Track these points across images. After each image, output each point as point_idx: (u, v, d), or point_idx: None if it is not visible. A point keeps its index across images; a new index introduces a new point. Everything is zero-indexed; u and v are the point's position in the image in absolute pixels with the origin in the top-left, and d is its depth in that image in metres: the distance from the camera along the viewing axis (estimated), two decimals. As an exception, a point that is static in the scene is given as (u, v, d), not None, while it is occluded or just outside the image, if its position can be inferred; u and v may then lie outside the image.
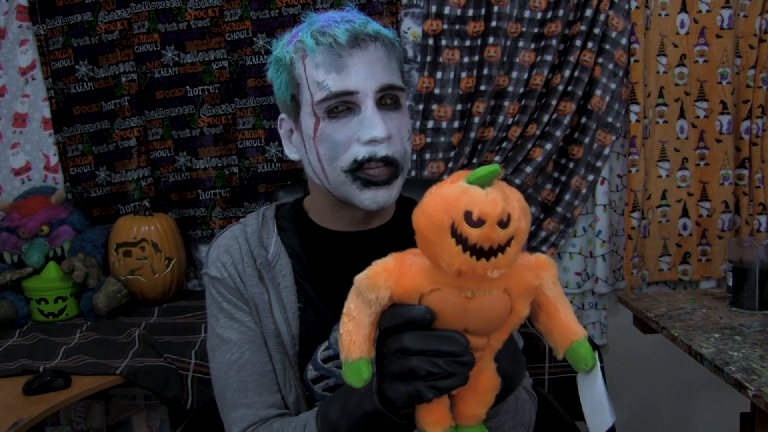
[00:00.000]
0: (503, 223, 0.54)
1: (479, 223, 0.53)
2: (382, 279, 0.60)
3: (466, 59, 1.96)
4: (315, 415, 0.76)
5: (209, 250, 0.92)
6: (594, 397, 0.65)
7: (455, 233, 0.54)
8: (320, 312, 0.87)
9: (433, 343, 0.59)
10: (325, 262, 0.89)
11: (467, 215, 0.53)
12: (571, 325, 0.63)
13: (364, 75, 0.78)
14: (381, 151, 0.79)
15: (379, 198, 0.81)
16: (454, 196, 0.55)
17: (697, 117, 2.05)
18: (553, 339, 0.64)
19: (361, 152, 0.79)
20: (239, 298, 0.87)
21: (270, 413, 0.84)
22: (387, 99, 0.80)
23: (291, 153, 0.89)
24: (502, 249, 0.54)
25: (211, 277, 0.89)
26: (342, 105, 0.79)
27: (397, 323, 0.60)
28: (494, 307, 0.59)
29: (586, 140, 2.00)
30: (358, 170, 0.79)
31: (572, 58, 1.95)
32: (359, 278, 0.61)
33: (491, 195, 0.54)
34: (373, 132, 0.78)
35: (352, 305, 0.61)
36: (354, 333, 0.60)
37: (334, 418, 0.72)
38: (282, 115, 0.88)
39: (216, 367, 0.88)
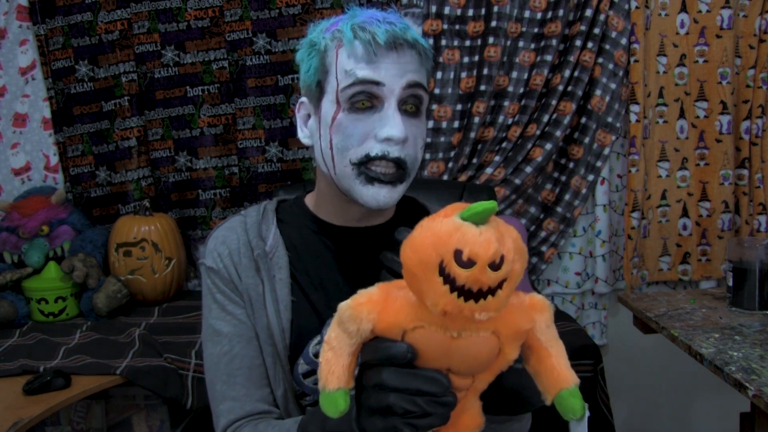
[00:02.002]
0: (495, 266, 0.51)
1: (469, 264, 0.50)
2: (365, 311, 0.57)
3: (466, 59, 1.96)
4: (297, 428, 0.75)
5: (207, 240, 0.92)
6: None
7: (443, 272, 0.51)
8: (314, 306, 0.87)
9: (413, 382, 0.57)
10: (323, 255, 0.89)
11: (457, 254, 0.51)
12: (562, 371, 0.60)
13: (393, 72, 0.78)
14: (394, 152, 0.79)
15: (381, 197, 0.81)
16: (446, 232, 0.52)
17: (697, 117, 2.05)
18: (541, 383, 0.61)
19: (375, 149, 0.79)
20: (233, 290, 0.88)
21: (257, 407, 0.85)
22: (410, 104, 0.81)
23: (304, 137, 0.89)
24: (492, 291, 0.51)
25: (207, 268, 0.90)
26: (366, 98, 0.79)
27: (378, 358, 0.58)
28: (480, 350, 0.56)
29: (586, 140, 2.00)
30: (365, 164, 0.80)
31: (572, 58, 1.95)
32: (342, 307, 0.59)
33: (485, 235, 0.51)
34: (392, 131, 0.78)
35: (333, 334, 0.59)
36: (333, 363, 0.58)
37: None
38: (302, 99, 0.88)
39: (207, 359, 0.89)
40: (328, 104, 0.82)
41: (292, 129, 2.02)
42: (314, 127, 0.86)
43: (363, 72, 0.78)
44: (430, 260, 0.52)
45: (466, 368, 0.57)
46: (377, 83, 0.78)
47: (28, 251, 1.90)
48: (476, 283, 0.51)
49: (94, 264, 1.85)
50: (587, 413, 0.62)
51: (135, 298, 1.90)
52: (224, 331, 0.87)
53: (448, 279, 0.51)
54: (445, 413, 0.58)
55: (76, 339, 1.62)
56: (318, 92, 0.84)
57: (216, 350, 0.87)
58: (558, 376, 0.59)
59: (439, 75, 1.96)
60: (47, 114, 2.05)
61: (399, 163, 0.80)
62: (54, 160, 2.08)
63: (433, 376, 0.57)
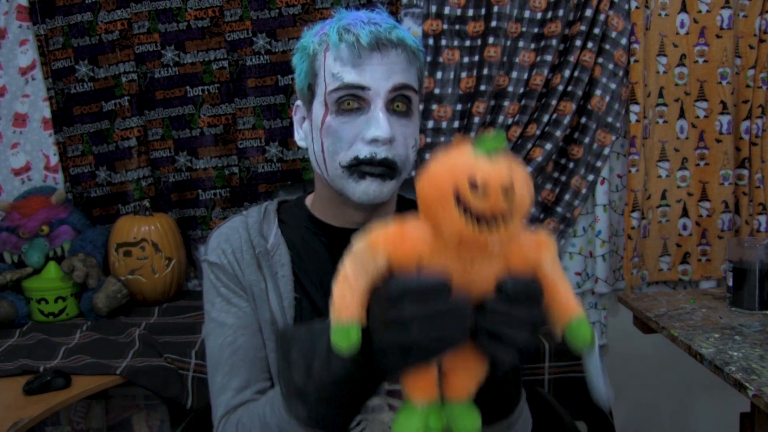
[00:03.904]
0: (507, 193, 0.54)
1: (483, 191, 0.53)
2: (381, 244, 0.58)
3: (466, 59, 1.96)
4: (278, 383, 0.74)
5: (209, 238, 0.92)
6: (594, 373, 0.65)
7: (459, 200, 0.54)
8: (315, 305, 0.87)
9: (433, 305, 0.56)
10: (321, 255, 0.90)
11: (471, 183, 0.53)
12: (570, 303, 0.62)
13: (379, 75, 0.79)
14: (381, 152, 0.79)
15: (371, 191, 0.81)
16: (459, 163, 0.55)
17: (697, 117, 2.05)
18: (550, 316, 0.63)
19: (363, 151, 0.80)
20: (237, 284, 0.88)
21: (256, 398, 0.83)
22: (399, 103, 0.81)
23: (300, 140, 0.91)
24: (504, 219, 0.54)
25: (210, 263, 0.90)
26: (352, 100, 0.80)
27: (412, 291, 0.56)
28: (493, 280, 0.58)
29: (586, 140, 2.00)
30: (355, 166, 0.80)
31: (572, 58, 1.95)
32: (357, 243, 0.60)
33: (496, 164, 0.54)
34: (377, 131, 0.78)
35: (348, 269, 0.60)
36: (348, 296, 0.59)
37: (299, 384, 0.69)
38: (297, 102, 0.90)
39: (210, 352, 0.88)
40: (317, 107, 0.83)
41: (292, 129, 2.00)
42: (308, 130, 0.87)
43: (349, 76, 0.79)
44: (445, 190, 0.54)
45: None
46: (362, 87, 0.79)
47: (28, 251, 1.90)
48: (490, 209, 0.53)
49: (94, 264, 1.85)
50: (597, 341, 0.63)
51: (135, 298, 1.90)
52: (229, 323, 0.86)
53: (463, 207, 0.54)
54: (463, 330, 0.57)
55: (76, 339, 1.62)
56: (309, 95, 0.85)
57: (219, 341, 0.86)
58: (566, 307, 0.62)
59: (439, 75, 1.96)
60: (47, 114, 2.05)
61: (387, 164, 0.80)
62: (54, 160, 2.08)
63: (453, 301, 0.56)
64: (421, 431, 0.63)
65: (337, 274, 0.60)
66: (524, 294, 0.58)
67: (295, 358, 0.71)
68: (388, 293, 0.58)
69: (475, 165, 0.54)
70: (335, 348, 0.59)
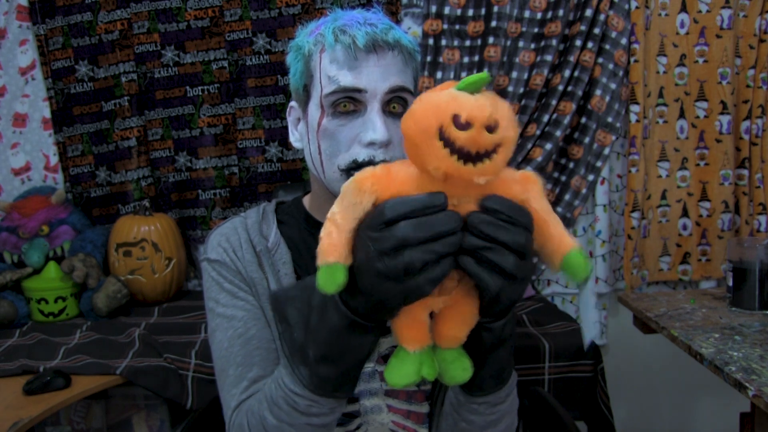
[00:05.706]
0: (490, 128, 0.54)
1: (466, 126, 0.54)
2: (368, 184, 0.59)
3: (466, 59, 1.96)
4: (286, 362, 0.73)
5: (209, 237, 0.91)
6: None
7: (443, 136, 0.54)
8: None
9: (433, 226, 0.55)
10: None
11: (455, 118, 0.54)
12: (563, 236, 0.61)
13: (375, 77, 0.79)
14: (379, 155, 0.79)
15: None
16: (443, 100, 0.55)
17: (697, 117, 2.05)
18: (545, 253, 0.62)
19: (361, 154, 0.79)
20: (241, 279, 0.87)
21: None
22: (395, 104, 0.81)
23: (295, 141, 0.90)
24: (488, 155, 0.55)
25: (211, 261, 0.88)
26: (349, 102, 0.79)
27: (412, 210, 0.56)
28: None
29: (586, 140, 2.00)
30: (354, 170, 0.79)
31: (572, 58, 1.95)
32: (346, 184, 0.60)
33: (479, 100, 0.55)
34: (374, 135, 0.78)
35: (336, 209, 0.60)
36: (335, 236, 0.59)
37: (300, 341, 0.69)
38: (292, 103, 0.90)
39: (218, 347, 0.85)
40: (313, 109, 0.83)
41: (292, 129, 2.03)
42: (303, 131, 0.87)
43: (345, 79, 0.78)
44: (429, 127, 0.55)
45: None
46: (359, 90, 0.78)
47: (28, 251, 1.90)
48: (474, 144, 0.54)
49: (94, 264, 1.85)
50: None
51: (135, 298, 1.90)
52: (238, 315, 0.85)
53: (447, 142, 0.54)
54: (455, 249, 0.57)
55: (76, 339, 1.62)
56: (305, 96, 0.84)
57: (228, 334, 0.84)
58: (560, 241, 0.62)
59: (439, 75, 1.96)
60: (47, 114, 2.05)
61: None
62: (54, 160, 2.08)
63: (447, 214, 0.56)
64: (413, 377, 0.63)
65: (327, 216, 0.60)
66: (506, 211, 0.57)
67: (292, 316, 0.71)
68: (382, 215, 0.57)
69: (459, 101, 0.55)
70: (321, 289, 0.58)
